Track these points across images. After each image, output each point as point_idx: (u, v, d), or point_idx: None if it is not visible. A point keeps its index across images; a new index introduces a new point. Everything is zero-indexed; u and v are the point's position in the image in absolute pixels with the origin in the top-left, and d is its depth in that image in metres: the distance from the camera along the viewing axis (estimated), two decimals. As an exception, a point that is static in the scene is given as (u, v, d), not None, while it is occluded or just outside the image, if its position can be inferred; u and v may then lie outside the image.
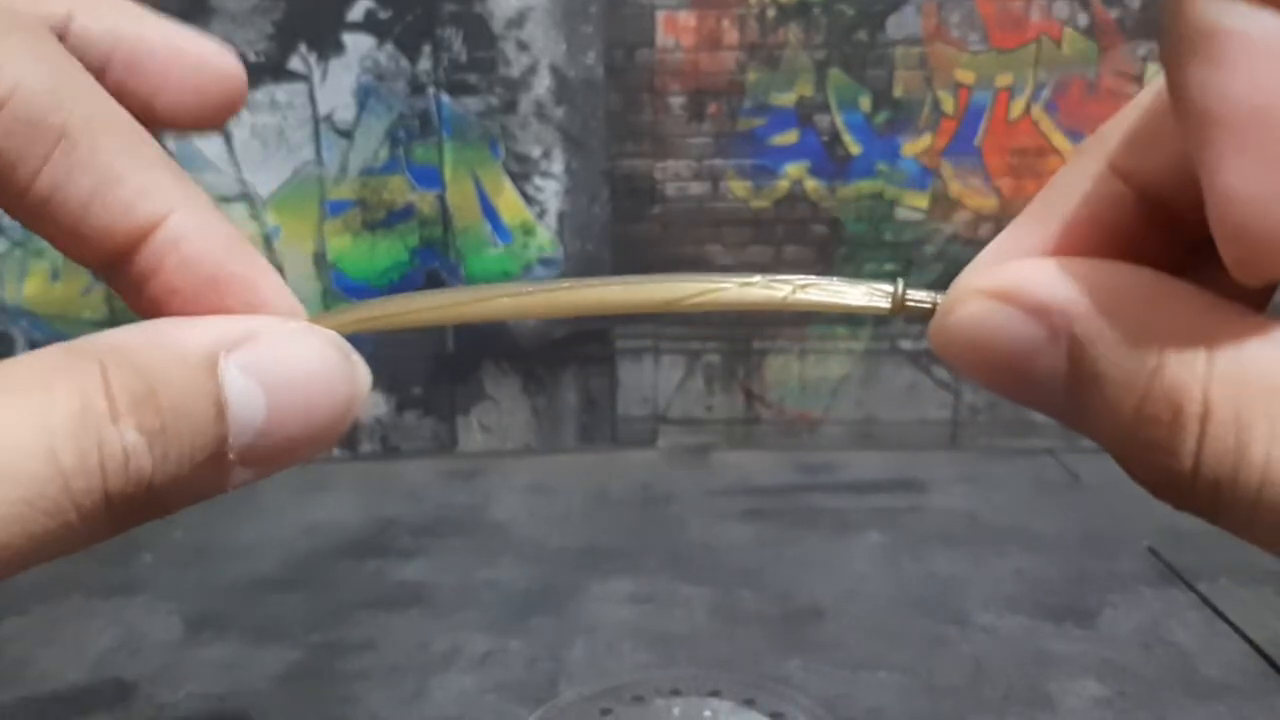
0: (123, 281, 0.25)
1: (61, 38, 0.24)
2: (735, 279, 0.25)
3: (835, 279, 0.25)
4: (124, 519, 0.21)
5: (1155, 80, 0.22)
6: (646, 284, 0.25)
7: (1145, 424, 0.20)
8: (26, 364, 0.20)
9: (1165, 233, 0.23)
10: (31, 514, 0.19)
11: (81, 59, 0.24)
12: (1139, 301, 0.21)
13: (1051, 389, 0.22)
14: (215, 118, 0.27)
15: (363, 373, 0.24)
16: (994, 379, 0.23)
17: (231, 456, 0.22)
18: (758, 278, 0.25)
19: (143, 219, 0.24)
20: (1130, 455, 0.21)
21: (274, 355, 0.23)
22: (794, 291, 0.25)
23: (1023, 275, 0.23)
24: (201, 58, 0.26)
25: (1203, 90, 0.18)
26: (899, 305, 0.25)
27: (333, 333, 0.24)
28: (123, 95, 0.25)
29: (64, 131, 0.22)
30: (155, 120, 0.26)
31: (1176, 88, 0.19)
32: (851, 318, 3.40)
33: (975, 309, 0.23)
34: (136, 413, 0.20)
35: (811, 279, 0.25)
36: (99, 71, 0.25)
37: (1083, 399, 0.21)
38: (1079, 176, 0.23)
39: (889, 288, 0.25)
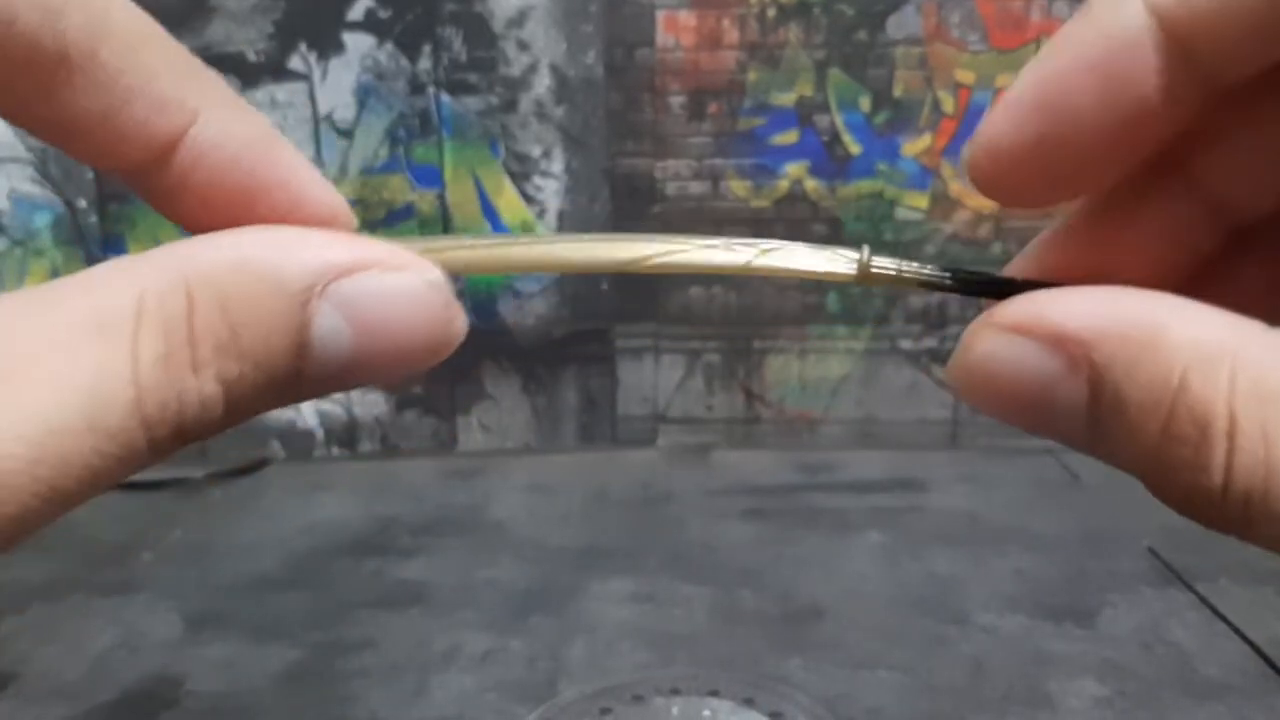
0: (154, 193, 0.24)
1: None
2: (698, 240, 0.25)
3: (800, 244, 0.25)
4: (182, 447, 0.21)
5: None
6: (607, 243, 0.24)
7: (1172, 444, 0.20)
8: (119, 286, 0.19)
9: (1202, 217, 0.24)
10: (114, 465, 0.19)
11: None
12: (1156, 322, 0.21)
13: (1073, 419, 0.22)
14: None
15: (459, 322, 0.23)
16: (1015, 414, 0.23)
17: (304, 387, 0.22)
18: (720, 240, 0.25)
19: (162, 133, 0.22)
20: (1159, 477, 0.21)
21: (369, 292, 0.22)
22: (757, 255, 0.25)
23: (1037, 307, 0.23)
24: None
25: None
26: (864, 272, 0.25)
27: (438, 274, 0.23)
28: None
29: (64, 54, 0.22)
30: None
31: None
32: (853, 315, 3.40)
33: (991, 344, 0.23)
34: (218, 361, 0.20)
35: (775, 244, 0.25)
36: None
37: (1106, 426, 0.21)
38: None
39: (854, 254, 0.25)
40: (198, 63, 0.23)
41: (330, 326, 0.21)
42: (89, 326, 0.19)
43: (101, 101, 0.22)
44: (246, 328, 0.20)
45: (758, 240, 0.25)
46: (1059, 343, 0.22)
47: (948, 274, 0.25)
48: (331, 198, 0.24)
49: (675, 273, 0.25)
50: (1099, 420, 0.21)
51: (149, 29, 0.22)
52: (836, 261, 0.25)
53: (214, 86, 0.23)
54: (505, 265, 0.25)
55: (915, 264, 0.25)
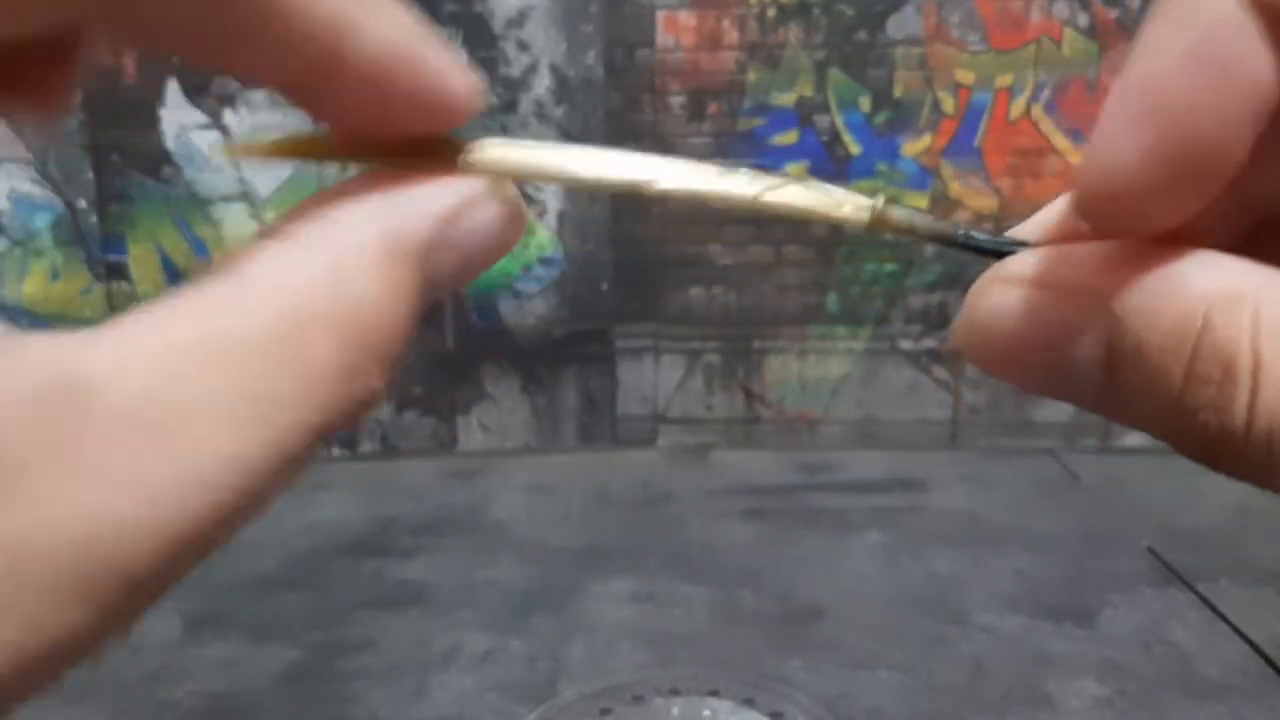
0: (309, 99, 0.23)
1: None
2: (714, 169, 0.24)
3: (815, 182, 0.25)
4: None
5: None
6: (620, 159, 0.24)
7: (1195, 386, 0.20)
8: (248, 306, 0.19)
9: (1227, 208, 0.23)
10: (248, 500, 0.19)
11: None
12: (1174, 268, 0.20)
13: (1087, 373, 0.22)
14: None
15: (527, 216, 0.25)
16: (1026, 371, 0.23)
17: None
18: (740, 171, 0.24)
19: (320, 38, 0.22)
20: (1180, 423, 0.21)
21: (467, 233, 0.23)
22: (768, 190, 0.24)
23: (1045, 259, 0.22)
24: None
25: None
26: (877, 220, 0.24)
27: (512, 190, 0.23)
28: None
29: None
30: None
31: None
32: (853, 316, 3.40)
33: (999, 298, 0.23)
34: (362, 370, 0.20)
35: (791, 179, 0.24)
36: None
37: (1123, 376, 0.21)
38: None
39: (869, 201, 0.25)
40: None
41: (438, 272, 0.22)
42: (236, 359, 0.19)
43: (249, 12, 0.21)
44: (379, 331, 0.20)
45: (772, 174, 0.24)
46: (1072, 293, 0.21)
47: (960, 230, 0.25)
48: (466, 82, 0.24)
49: (683, 200, 0.25)
50: (1116, 371, 0.21)
51: None
52: (848, 206, 0.24)
53: None
54: (522, 172, 0.25)
55: (930, 217, 0.25)
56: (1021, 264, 0.23)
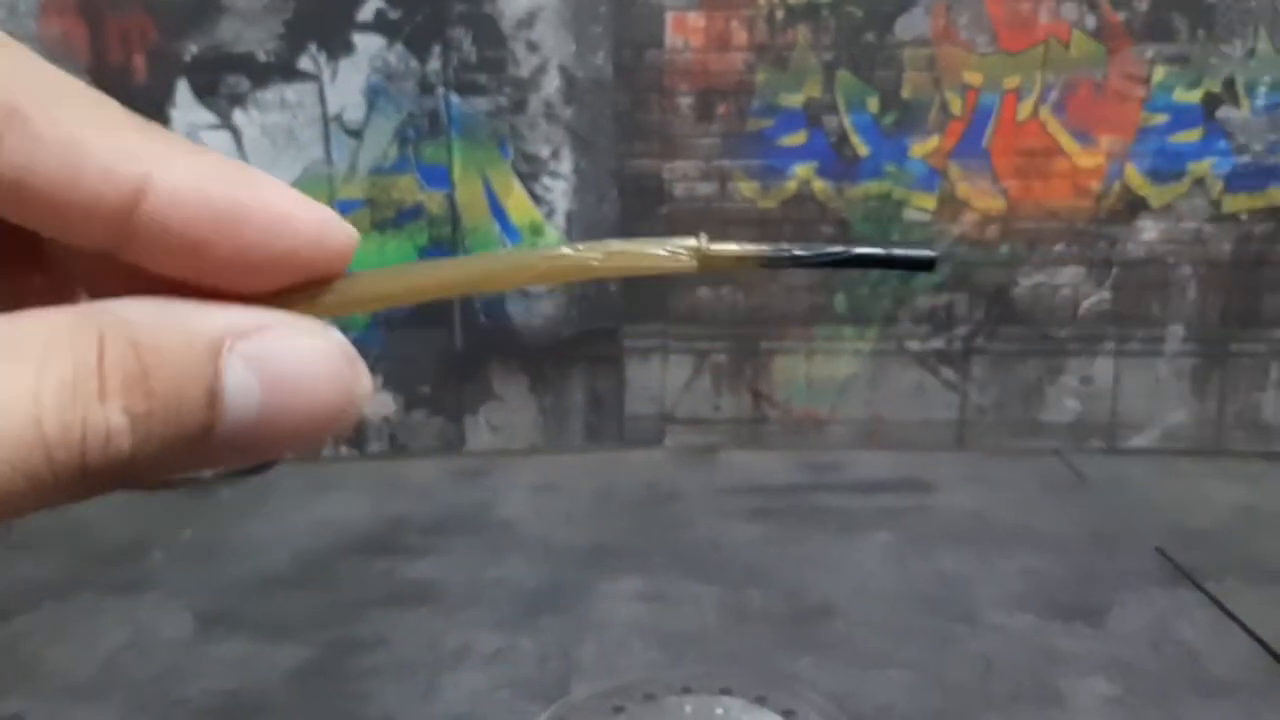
0: (141, 247, 0.24)
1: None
2: (542, 252, 0.25)
3: (643, 240, 0.26)
4: (98, 487, 0.21)
5: None
6: (462, 264, 0.25)
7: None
8: (32, 324, 0.21)
9: None
10: (11, 474, 0.20)
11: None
12: None
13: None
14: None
15: (365, 381, 0.24)
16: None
17: (217, 442, 0.23)
18: (566, 249, 0.26)
19: (123, 184, 0.22)
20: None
21: (278, 351, 0.23)
22: (605, 259, 0.26)
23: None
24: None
25: None
26: (705, 259, 0.26)
27: (340, 336, 0.24)
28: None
29: (13, 108, 0.21)
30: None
31: None
32: (860, 316, 3.40)
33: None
34: (125, 394, 0.21)
35: (617, 244, 0.26)
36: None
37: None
38: None
39: (694, 243, 0.26)
40: (144, 119, 0.24)
41: (240, 380, 0.22)
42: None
43: (59, 157, 0.22)
44: (157, 369, 0.21)
45: (600, 242, 0.25)
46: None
47: (784, 249, 0.26)
48: (317, 211, 0.25)
49: (528, 285, 0.26)
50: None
51: (93, 91, 0.23)
52: (676, 251, 0.26)
53: (166, 139, 0.24)
54: (362, 303, 0.26)
55: (755, 245, 0.26)
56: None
